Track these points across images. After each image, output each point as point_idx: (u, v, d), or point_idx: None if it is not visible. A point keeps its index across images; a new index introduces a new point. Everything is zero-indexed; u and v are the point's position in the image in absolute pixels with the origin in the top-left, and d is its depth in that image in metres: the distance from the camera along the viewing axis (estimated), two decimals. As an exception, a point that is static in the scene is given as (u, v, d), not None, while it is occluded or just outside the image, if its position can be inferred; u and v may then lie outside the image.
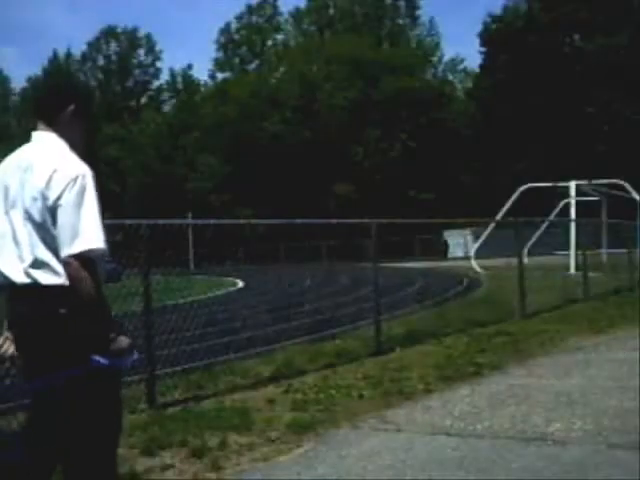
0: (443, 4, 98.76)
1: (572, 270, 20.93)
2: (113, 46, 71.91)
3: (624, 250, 18.11)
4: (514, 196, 28.49)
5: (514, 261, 12.19)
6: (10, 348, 3.14)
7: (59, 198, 2.87)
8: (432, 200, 50.06)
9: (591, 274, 14.97)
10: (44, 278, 2.91)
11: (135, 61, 72.45)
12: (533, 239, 24.68)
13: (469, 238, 39.70)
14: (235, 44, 69.71)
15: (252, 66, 69.21)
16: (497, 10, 57.21)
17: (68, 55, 70.96)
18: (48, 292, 2.91)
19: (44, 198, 2.88)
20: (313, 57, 59.53)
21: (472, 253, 30.00)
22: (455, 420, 5.30)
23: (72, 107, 3.10)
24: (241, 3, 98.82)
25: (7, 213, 3.02)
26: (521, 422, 5.19)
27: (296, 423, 5.31)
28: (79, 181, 2.91)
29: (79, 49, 76.72)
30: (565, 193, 27.57)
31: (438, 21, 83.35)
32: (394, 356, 8.16)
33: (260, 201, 50.42)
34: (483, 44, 56.65)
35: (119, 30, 71.34)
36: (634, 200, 26.31)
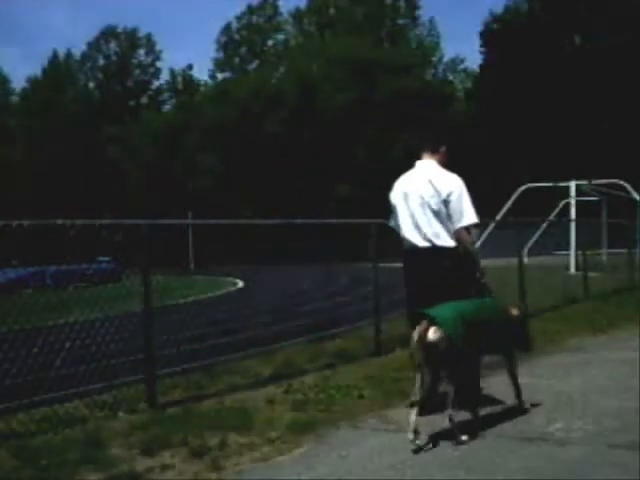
0: (443, 4, 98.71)
1: (572, 270, 20.94)
2: (113, 46, 71.79)
3: (624, 250, 18.11)
4: (514, 196, 28.50)
5: (514, 261, 12.17)
6: None
7: (450, 195, 5.34)
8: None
9: (591, 274, 14.96)
10: (438, 242, 5.35)
11: (135, 61, 72.32)
12: (533, 239, 24.68)
13: (469, 238, 39.58)
14: (235, 44, 69.64)
15: (252, 66, 69.16)
16: (498, 9, 57.31)
17: (68, 55, 70.86)
18: (440, 250, 5.33)
19: (439, 195, 5.34)
20: (313, 57, 59.49)
21: (472, 253, 29.93)
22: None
23: (444, 147, 5.68)
24: (241, 3, 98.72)
25: (408, 206, 5.46)
26: (521, 422, 5.19)
27: (296, 423, 5.30)
28: (459, 185, 5.42)
29: (79, 49, 76.74)
30: (565, 193, 27.58)
31: (438, 21, 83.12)
32: (394, 356, 8.15)
33: (260, 201, 50.40)
34: (484, 44, 56.66)
35: (119, 30, 71.25)
36: (634, 200, 26.31)
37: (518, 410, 5.37)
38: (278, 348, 8.98)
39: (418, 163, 5.65)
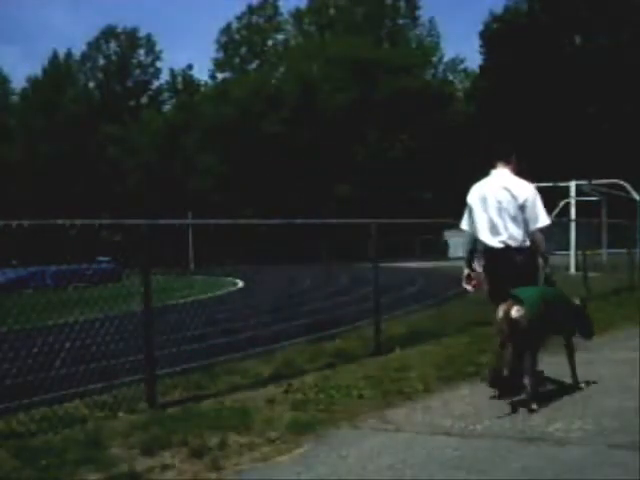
0: (443, 4, 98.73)
1: (572, 270, 20.92)
2: (113, 46, 71.79)
3: (624, 250, 18.10)
4: (514, 196, 28.34)
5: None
6: (468, 285, 6.53)
7: (526, 201, 6.13)
8: (432, 200, 50.03)
9: (591, 274, 14.96)
10: (512, 243, 6.12)
11: (135, 61, 72.32)
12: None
13: (469, 238, 39.55)
14: (235, 44, 69.62)
15: (252, 66, 69.15)
16: (498, 9, 57.27)
17: (68, 55, 70.82)
18: (513, 250, 6.10)
19: (516, 200, 6.11)
20: (313, 57, 59.47)
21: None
22: (455, 420, 5.29)
23: (514, 156, 6.43)
24: (241, 3, 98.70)
25: (485, 211, 6.21)
26: (521, 422, 5.19)
27: (296, 423, 5.30)
28: (534, 192, 6.26)
29: (79, 49, 76.68)
30: (565, 193, 27.55)
31: (438, 21, 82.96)
32: (394, 356, 8.15)
33: (260, 201, 50.37)
34: (484, 44, 56.64)
35: (119, 30, 71.25)
36: (634, 200, 26.28)
37: (573, 388, 6.10)
38: (278, 348, 8.98)
39: (493, 172, 6.37)
